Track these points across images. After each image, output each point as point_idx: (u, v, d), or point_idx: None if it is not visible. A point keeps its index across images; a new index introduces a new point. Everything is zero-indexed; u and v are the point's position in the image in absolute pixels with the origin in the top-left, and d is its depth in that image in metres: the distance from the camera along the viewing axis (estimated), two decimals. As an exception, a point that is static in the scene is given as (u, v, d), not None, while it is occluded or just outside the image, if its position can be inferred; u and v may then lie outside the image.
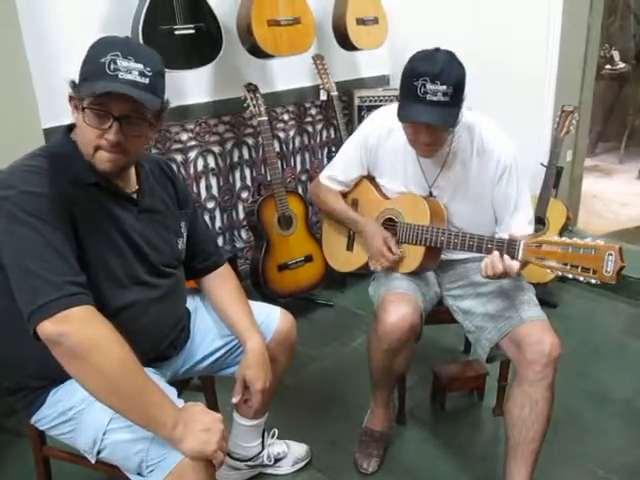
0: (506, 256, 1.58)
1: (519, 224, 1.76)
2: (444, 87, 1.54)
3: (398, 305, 1.77)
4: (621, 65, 5.61)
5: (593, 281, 1.46)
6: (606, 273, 1.43)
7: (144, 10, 2.32)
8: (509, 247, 1.59)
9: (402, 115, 1.63)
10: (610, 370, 2.51)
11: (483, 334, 1.80)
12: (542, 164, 2.85)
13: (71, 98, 1.29)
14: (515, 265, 1.57)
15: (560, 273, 1.52)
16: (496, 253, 1.60)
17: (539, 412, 1.67)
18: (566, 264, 1.48)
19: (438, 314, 2.00)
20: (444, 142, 1.73)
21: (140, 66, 1.23)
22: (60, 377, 1.29)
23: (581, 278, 1.47)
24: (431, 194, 1.87)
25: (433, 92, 1.55)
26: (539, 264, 1.55)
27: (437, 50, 1.61)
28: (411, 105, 1.59)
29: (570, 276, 1.49)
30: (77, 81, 1.27)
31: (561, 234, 2.86)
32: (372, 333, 1.87)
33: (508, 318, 1.74)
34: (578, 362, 2.54)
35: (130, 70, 1.22)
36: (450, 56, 1.60)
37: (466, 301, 1.89)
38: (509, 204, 1.78)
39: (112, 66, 1.21)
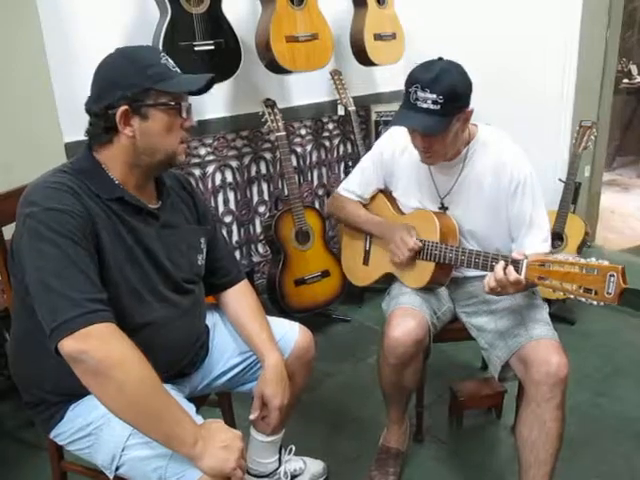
0: (510, 268, 1.55)
1: (533, 243, 1.73)
2: (434, 95, 1.58)
3: (403, 319, 1.78)
4: (639, 79, 5.58)
5: (595, 303, 1.42)
6: (607, 295, 1.38)
7: (164, 26, 2.35)
8: (513, 265, 1.57)
9: (395, 120, 1.71)
10: (630, 389, 2.47)
11: (494, 352, 1.79)
12: (560, 180, 2.83)
13: (138, 107, 1.28)
14: (522, 279, 1.53)
15: (562, 293, 1.47)
16: (499, 265, 1.57)
17: (549, 433, 1.63)
18: (568, 284, 1.44)
19: (455, 331, 1.99)
20: (444, 151, 1.72)
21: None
22: (79, 392, 1.30)
23: (583, 299, 1.43)
24: (444, 208, 1.87)
25: (423, 99, 1.59)
26: (541, 284, 1.51)
27: (439, 59, 1.65)
28: (403, 111, 1.66)
29: (572, 297, 1.45)
30: (143, 87, 1.27)
31: (579, 250, 2.84)
32: (380, 348, 1.87)
33: (517, 336, 1.72)
34: (598, 381, 2.51)
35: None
36: (450, 65, 1.63)
37: (479, 318, 1.88)
38: (523, 221, 1.76)
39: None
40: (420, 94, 1.59)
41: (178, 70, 1.35)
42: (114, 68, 1.31)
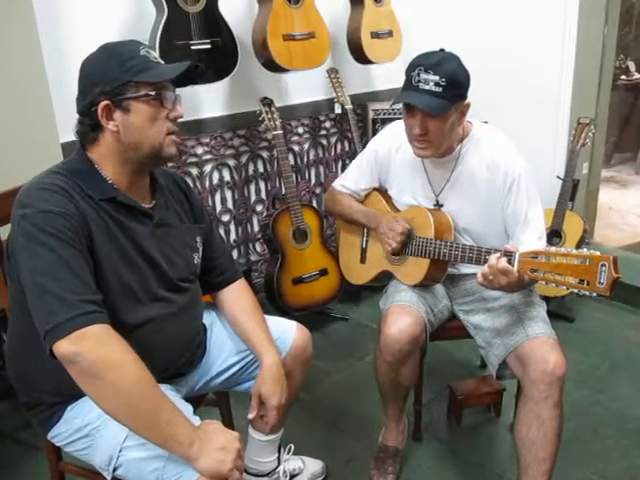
0: (502, 259, 1.54)
1: (529, 239, 1.73)
2: (436, 77, 1.60)
3: (398, 317, 1.78)
4: (637, 75, 5.59)
5: (587, 293, 1.41)
6: (599, 285, 1.37)
7: (161, 25, 2.35)
8: (506, 257, 1.56)
9: (396, 99, 1.71)
10: (629, 386, 2.47)
11: (491, 350, 1.79)
12: (558, 177, 2.82)
13: (123, 100, 1.27)
14: (512, 269, 1.52)
15: (554, 285, 1.46)
16: (492, 256, 1.57)
17: (547, 431, 1.63)
18: (560, 275, 1.43)
19: (453, 329, 1.99)
20: (439, 141, 1.71)
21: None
22: (76, 393, 1.28)
23: (575, 290, 1.42)
24: (439, 206, 1.87)
25: (425, 81, 1.62)
26: (534, 276, 1.49)
27: (441, 50, 1.68)
28: (404, 92, 1.68)
29: (565, 288, 1.44)
30: (127, 80, 1.26)
31: (578, 247, 2.83)
32: (376, 345, 1.87)
33: (514, 334, 1.72)
34: (596, 378, 2.51)
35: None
36: (451, 55, 1.67)
37: (476, 316, 1.88)
38: (518, 218, 1.76)
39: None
40: (423, 76, 1.61)
41: (161, 61, 1.34)
42: (94, 65, 1.31)
